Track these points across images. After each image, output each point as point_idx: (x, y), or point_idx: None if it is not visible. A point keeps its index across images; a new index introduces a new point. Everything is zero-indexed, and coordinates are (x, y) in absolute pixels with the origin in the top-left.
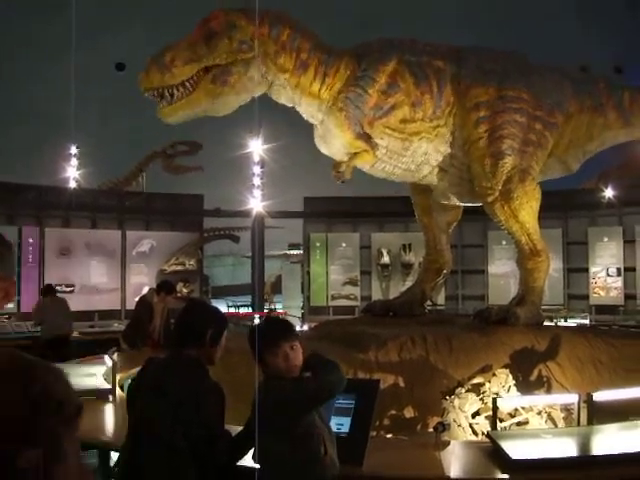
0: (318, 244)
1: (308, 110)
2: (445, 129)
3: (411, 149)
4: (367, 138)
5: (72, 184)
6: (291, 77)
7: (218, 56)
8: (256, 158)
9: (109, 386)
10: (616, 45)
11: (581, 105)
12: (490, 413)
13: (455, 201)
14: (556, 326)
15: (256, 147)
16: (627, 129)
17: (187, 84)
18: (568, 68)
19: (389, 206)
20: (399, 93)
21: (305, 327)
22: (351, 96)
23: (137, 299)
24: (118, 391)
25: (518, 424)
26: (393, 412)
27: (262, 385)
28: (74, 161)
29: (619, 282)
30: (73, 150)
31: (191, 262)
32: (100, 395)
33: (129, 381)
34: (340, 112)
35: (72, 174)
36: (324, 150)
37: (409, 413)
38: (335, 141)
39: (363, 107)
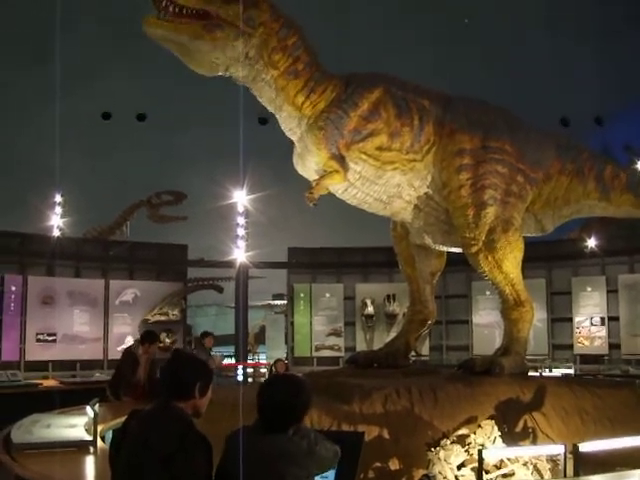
0: (302, 294)
1: (287, 121)
2: (421, 165)
3: (384, 178)
4: (341, 160)
5: (56, 232)
6: (279, 77)
7: (224, 13)
8: (240, 208)
9: (90, 437)
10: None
11: (562, 168)
12: (476, 465)
13: (429, 242)
14: (541, 376)
15: (240, 197)
16: (605, 203)
17: (184, 11)
18: (556, 134)
19: (373, 257)
20: (379, 121)
21: None
22: (332, 117)
23: (122, 349)
24: (99, 443)
25: (504, 476)
26: (378, 464)
27: (260, 438)
28: (58, 209)
29: (603, 331)
30: (58, 198)
31: (174, 312)
32: (81, 447)
33: (110, 433)
34: (319, 131)
35: (56, 222)
36: (300, 170)
37: (394, 465)
38: (311, 159)
39: (342, 129)
